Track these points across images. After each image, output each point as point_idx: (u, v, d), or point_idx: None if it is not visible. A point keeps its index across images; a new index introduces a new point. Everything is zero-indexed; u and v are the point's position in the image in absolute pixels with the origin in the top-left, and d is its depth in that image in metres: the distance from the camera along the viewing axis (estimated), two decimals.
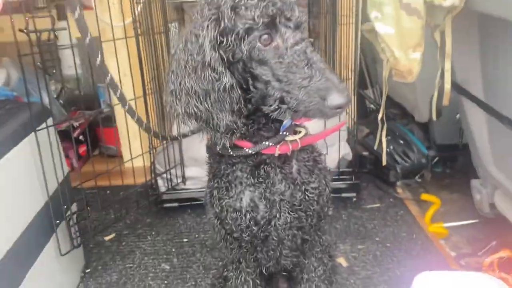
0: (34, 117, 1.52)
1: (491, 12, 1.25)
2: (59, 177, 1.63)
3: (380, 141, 1.65)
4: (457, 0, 1.23)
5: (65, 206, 1.66)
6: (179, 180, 2.27)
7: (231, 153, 1.07)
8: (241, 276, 1.28)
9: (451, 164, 2.74)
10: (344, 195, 2.30)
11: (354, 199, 2.36)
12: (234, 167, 1.11)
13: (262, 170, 1.09)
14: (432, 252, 1.97)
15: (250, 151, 1.05)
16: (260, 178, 1.09)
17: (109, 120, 2.90)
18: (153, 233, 2.20)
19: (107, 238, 2.17)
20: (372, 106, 3.10)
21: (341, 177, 2.27)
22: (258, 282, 1.32)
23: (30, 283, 1.45)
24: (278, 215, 1.12)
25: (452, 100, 1.82)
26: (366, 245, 2.04)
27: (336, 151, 2.21)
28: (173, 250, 2.06)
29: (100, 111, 3.13)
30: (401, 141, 2.56)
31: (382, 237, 2.09)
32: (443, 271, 1.70)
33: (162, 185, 2.27)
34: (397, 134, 2.61)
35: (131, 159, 2.09)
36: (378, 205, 2.36)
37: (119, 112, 2.70)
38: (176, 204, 2.30)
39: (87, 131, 2.71)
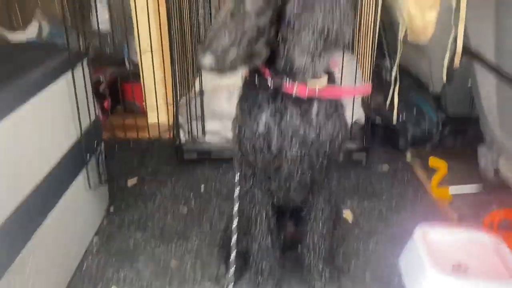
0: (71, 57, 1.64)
1: None
2: (92, 115, 1.76)
3: (392, 99, 1.75)
4: None
5: (95, 142, 1.79)
6: (200, 132, 2.39)
7: (256, 80, 1.19)
8: (255, 208, 1.41)
9: (462, 136, 2.81)
10: (355, 157, 2.41)
11: (364, 161, 2.47)
12: (257, 93, 1.23)
13: (281, 102, 1.21)
14: (435, 213, 2.08)
15: (269, 84, 1.17)
16: (279, 109, 1.21)
17: (134, 76, 3.04)
18: (173, 179, 2.35)
19: (130, 182, 2.32)
20: (388, 76, 3.16)
21: (353, 139, 2.36)
22: (271, 214, 1.44)
23: (61, 211, 1.59)
24: (289, 147, 1.24)
25: (463, 72, 1.90)
26: (372, 202, 2.16)
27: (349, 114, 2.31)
28: (191, 195, 2.21)
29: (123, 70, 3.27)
30: (414, 110, 2.64)
31: (388, 197, 2.21)
32: (442, 226, 1.82)
33: (183, 137, 2.40)
34: (410, 103, 2.68)
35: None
36: (387, 168, 2.46)
37: (145, 70, 2.83)
38: (195, 155, 2.43)
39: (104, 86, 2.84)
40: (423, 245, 1.64)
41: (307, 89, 1.17)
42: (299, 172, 1.30)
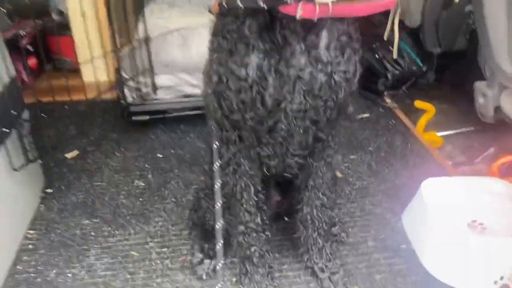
0: None
1: None
2: (5, 79, 1.32)
3: (392, 29, 1.42)
4: None
5: (15, 113, 1.36)
6: (149, 89, 1.98)
7: (239, 2, 0.82)
8: (241, 182, 1.07)
9: (440, 75, 2.58)
10: None
11: None
12: (241, 23, 0.86)
13: (278, 33, 0.85)
14: (430, 161, 1.84)
15: (261, 3, 0.80)
16: (274, 44, 0.86)
17: (63, 28, 2.52)
18: (121, 149, 1.95)
19: (69, 155, 1.90)
20: None
21: None
22: (260, 188, 1.12)
23: None
24: (290, 97, 0.90)
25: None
26: (359, 155, 1.89)
27: None
28: (147, 166, 1.84)
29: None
30: (392, 48, 2.35)
31: (375, 147, 1.94)
32: (450, 177, 1.58)
33: (129, 96, 1.98)
34: (386, 40, 2.39)
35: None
36: (367, 115, 2.19)
37: (75, 19, 2.35)
38: (146, 117, 2.03)
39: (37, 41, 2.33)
40: (433, 203, 1.38)
41: (317, 7, 0.81)
42: (301, 131, 0.97)
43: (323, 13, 0.81)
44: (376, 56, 2.31)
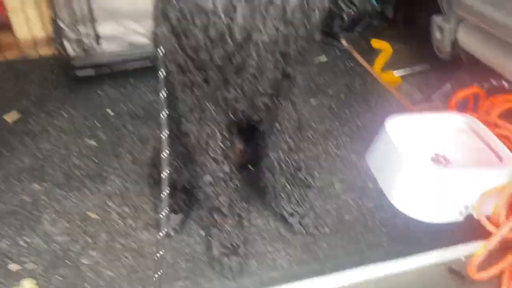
0: None
1: None
2: None
3: None
4: None
5: None
6: (91, 40, 1.82)
7: None
8: (207, 129, 0.99)
9: (387, 17, 2.55)
10: None
11: None
12: None
13: None
14: (391, 101, 1.83)
15: None
16: None
17: None
18: (67, 108, 1.80)
19: (8, 118, 1.73)
20: None
21: None
22: (227, 135, 1.05)
23: None
24: (262, 26, 0.82)
25: None
26: (319, 99, 1.85)
27: None
28: (98, 124, 1.71)
29: None
30: None
31: (335, 90, 1.91)
32: (414, 114, 1.58)
33: (70, 48, 1.81)
34: None
35: None
36: (325, 59, 2.14)
37: None
38: (91, 72, 1.88)
39: None
40: (398, 139, 1.37)
41: None
42: (271, 66, 0.90)
43: None
44: None
